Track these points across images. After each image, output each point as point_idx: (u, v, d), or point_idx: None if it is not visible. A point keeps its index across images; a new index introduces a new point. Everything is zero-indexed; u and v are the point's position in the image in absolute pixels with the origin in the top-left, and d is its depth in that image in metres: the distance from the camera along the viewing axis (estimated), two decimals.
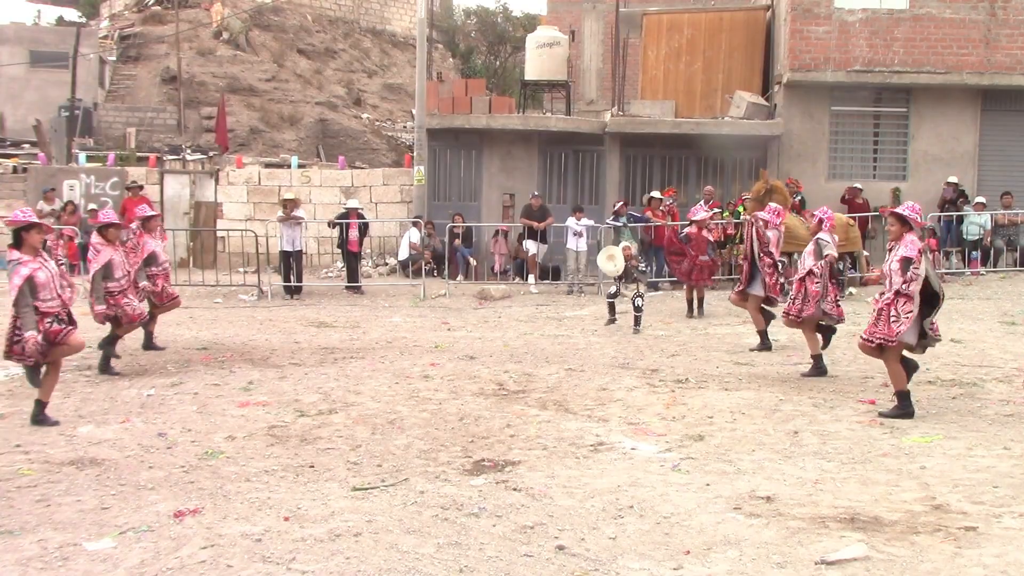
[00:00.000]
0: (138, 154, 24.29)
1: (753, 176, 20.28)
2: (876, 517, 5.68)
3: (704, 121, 20.48)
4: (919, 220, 8.30)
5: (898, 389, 8.25)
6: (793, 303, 10.06)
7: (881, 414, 8.21)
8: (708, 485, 6.35)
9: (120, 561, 5.13)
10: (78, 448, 7.25)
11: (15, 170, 22.18)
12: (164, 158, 22.92)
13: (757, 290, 11.56)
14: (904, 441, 7.32)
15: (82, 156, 23.19)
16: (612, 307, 13.61)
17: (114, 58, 31.58)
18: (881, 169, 20.29)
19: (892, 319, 8.08)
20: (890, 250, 8.34)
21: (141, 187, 20.12)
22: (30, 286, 7.74)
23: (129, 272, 10.44)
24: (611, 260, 13.93)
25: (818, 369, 9.94)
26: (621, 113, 21.07)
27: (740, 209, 18.13)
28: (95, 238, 10.27)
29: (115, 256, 10.15)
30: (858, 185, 18.80)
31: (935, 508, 5.84)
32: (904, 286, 7.99)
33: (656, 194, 18.29)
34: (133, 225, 11.58)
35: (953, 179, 18.86)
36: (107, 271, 10.01)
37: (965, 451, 7.05)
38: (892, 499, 6.02)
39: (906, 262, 8.02)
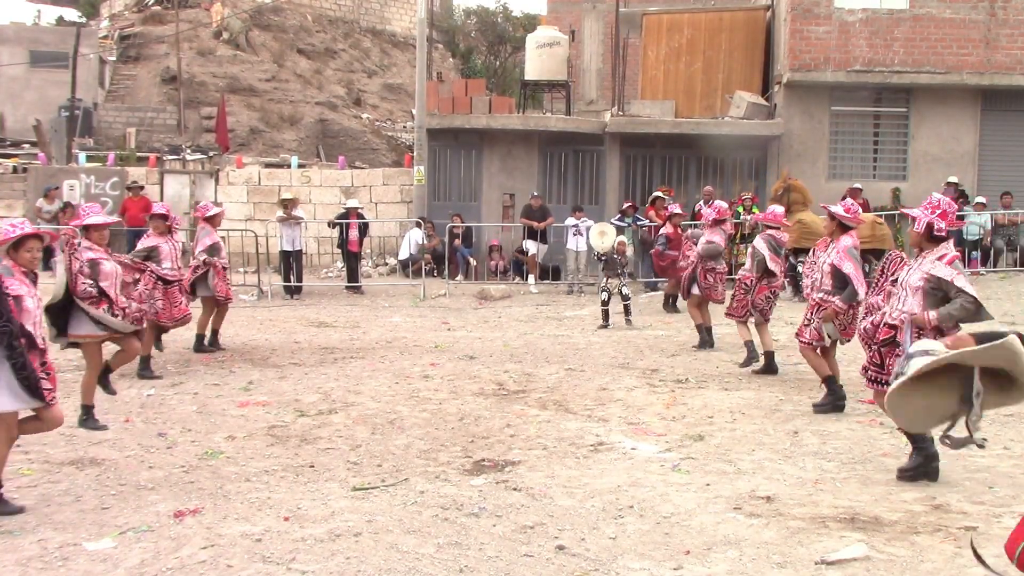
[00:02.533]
0: (138, 154, 24.28)
1: (753, 176, 20.32)
2: (876, 517, 5.68)
3: (704, 121, 20.48)
4: (854, 219, 8.35)
5: (823, 377, 8.43)
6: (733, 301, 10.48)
7: (815, 406, 8.40)
8: (708, 485, 6.36)
9: (120, 561, 5.13)
10: (78, 448, 7.26)
11: (15, 170, 22.16)
12: (164, 158, 22.91)
13: (695, 290, 11.96)
14: (904, 441, 7.32)
15: (82, 156, 23.18)
16: (606, 313, 13.68)
17: (114, 58, 31.58)
18: (881, 169, 20.29)
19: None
20: (824, 248, 8.47)
21: (141, 187, 20.12)
22: (92, 269, 8.00)
23: (180, 268, 10.65)
24: (602, 236, 14.50)
25: (768, 367, 10.19)
26: (621, 113, 21.07)
27: (740, 209, 18.12)
28: (149, 227, 10.63)
29: (164, 245, 10.33)
30: (858, 185, 18.78)
31: (935, 508, 5.84)
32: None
33: (659, 194, 18.28)
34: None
35: (953, 179, 18.86)
36: (152, 256, 10.19)
37: (965, 450, 7.04)
38: (892, 499, 6.02)
39: (836, 270, 8.15)
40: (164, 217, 10.51)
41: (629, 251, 17.83)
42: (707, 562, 5.06)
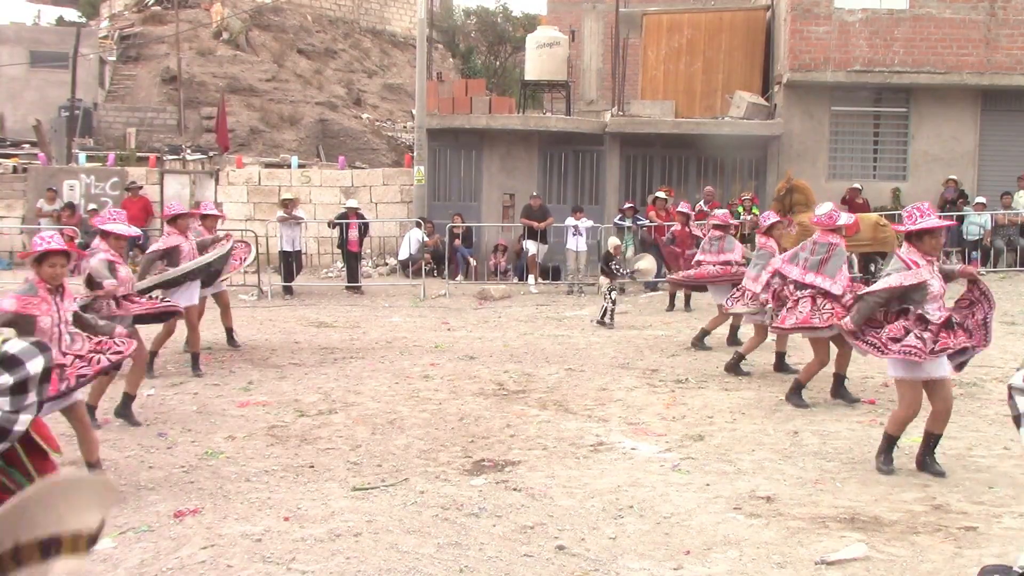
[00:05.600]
0: (138, 154, 24.28)
1: (753, 176, 20.32)
2: (876, 517, 5.68)
3: (704, 121, 20.48)
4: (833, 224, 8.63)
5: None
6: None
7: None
8: (708, 485, 6.36)
9: (120, 561, 5.13)
10: (77, 448, 7.24)
11: (15, 170, 22.16)
12: (164, 158, 22.90)
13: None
14: (904, 441, 7.31)
15: (82, 156, 23.18)
16: (605, 311, 13.65)
17: (114, 58, 31.57)
18: (881, 169, 20.30)
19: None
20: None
21: (140, 187, 20.12)
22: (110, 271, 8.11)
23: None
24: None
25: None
26: (621, 113, 21.07)
27: (740, 209, 18.13)
28: (167, 228, 10.53)
29: (183, 244, 10.31)
30: (857, 185, 18.80)
31: (935, 508, 5.84)
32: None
33: (661, 194, 18.28)
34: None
35: (952, 176, 18.87)
36: (171, 257, 10.13)
37: (965, 451, 7.05)
38: (892, 499, 6.02)
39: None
40: (185, 216, 10.56)
41: (630, 252, 17.85)
42: (707, 562, 5.06)
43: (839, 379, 8.81)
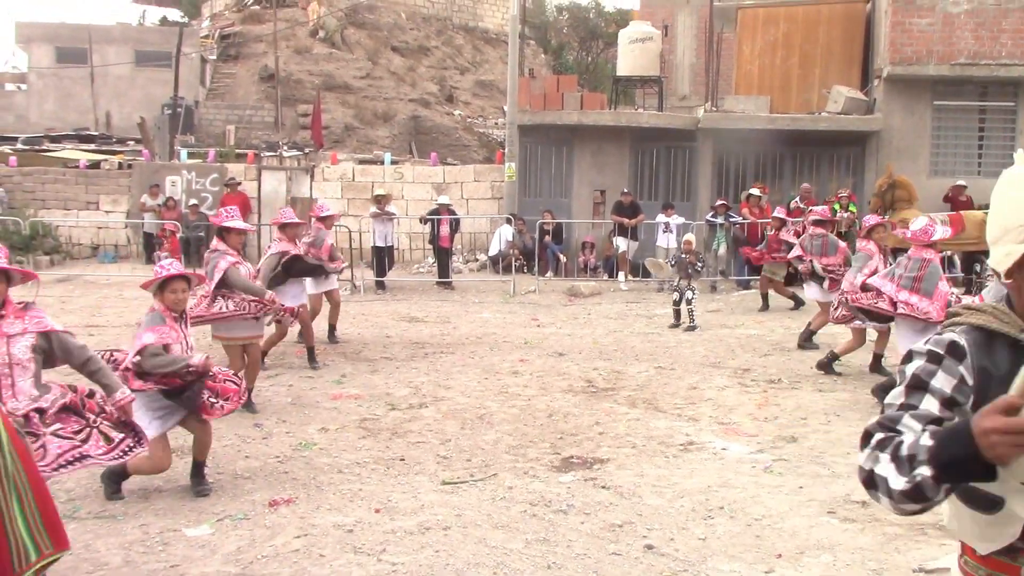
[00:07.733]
0: (237, 151, 24.91)
1: (850, 173, 19.84)
2: None
3: (800, 116, 20.06)
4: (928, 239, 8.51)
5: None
6: None
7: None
8: (801, 488, 6.24)
9: (217, 547, 5.27)
10: (178, 438, 7.43)
11: (120, 166, 22.99)
12: (262, 155, 23.43)
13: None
14: None
15: (184, 153, 23.88)
16: (677, 313, 13.37)
17: (214, 57, 32.46)
18: (986, 166, 19.59)
19: None
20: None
21: (239, 183, 20.60)
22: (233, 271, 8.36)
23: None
24: (656, 268, 15.24)
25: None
26: (714, 109, 20.78)
27: (836, 207, 17.72)
28: (277, 234, 10.70)
29: (292, 251, 10.52)
30: (962, 182, 18.20)
31: None
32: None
33: (754, 191, 17.97)
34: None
35: None
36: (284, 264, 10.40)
37: None
38: None
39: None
40: (295, 225, 10.63)
41: (722, 250, 17.59)
42: (799, 566, 4.97)
43: (878, 358, 9.77)
